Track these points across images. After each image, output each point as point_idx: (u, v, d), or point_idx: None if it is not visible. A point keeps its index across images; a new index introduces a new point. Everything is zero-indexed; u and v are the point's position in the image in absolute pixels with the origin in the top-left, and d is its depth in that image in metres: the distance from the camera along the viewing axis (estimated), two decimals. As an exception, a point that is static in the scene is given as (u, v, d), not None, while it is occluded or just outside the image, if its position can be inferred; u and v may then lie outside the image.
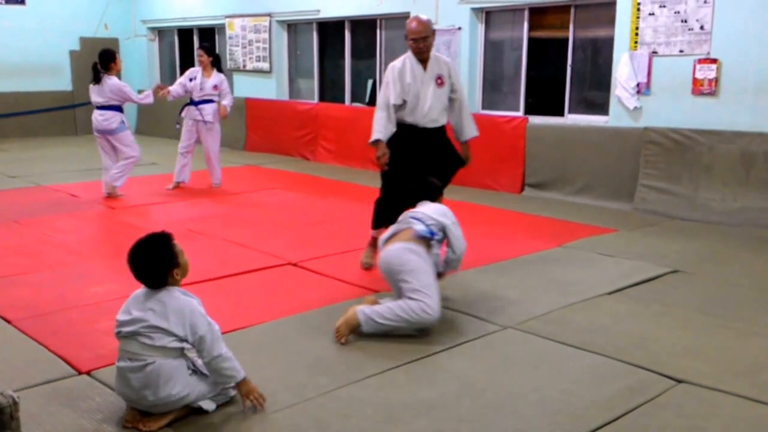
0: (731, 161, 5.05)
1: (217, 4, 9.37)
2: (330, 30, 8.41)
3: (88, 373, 2.54)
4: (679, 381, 2.50)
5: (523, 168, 6.18)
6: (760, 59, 4.94)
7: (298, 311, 3.18)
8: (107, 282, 3.61)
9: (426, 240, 2.90)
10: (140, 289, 2.22)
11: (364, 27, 7.96)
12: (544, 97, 6.49)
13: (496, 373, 2.58)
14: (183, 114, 6.34)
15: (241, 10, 9.03)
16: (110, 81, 5.79)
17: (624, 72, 5.60)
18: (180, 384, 2.13)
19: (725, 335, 2.93)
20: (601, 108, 6.00)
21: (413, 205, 3.15)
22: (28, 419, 2.18)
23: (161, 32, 10.89)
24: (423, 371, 2.59)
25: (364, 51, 8.07)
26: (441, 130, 3.77)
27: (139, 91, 6.40)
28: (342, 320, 2.81)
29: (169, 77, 10.59)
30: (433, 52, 3.78)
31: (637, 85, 5.56)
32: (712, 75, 5.15)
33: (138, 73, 10.55)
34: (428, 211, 3.02)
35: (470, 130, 3.87)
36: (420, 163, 3.63)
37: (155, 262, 2.17)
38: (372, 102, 8.00)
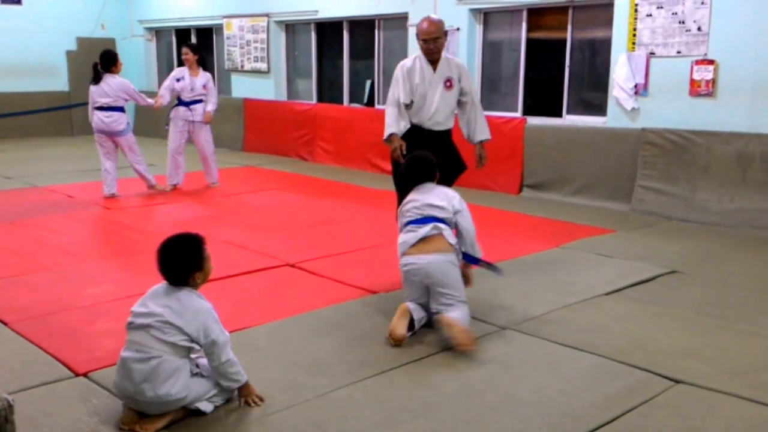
0: (728, 162, 5.07)
1: (214, 4, 9.36)
2: (328, 30, 8.41)
3: (84, 374, 2.53)
4: (677, 381, 2.50)
5: (522, 169, 6.18)
6: (757, 60, 4.95)
7: (296, 312, 3.18)
8: (104, 283, 3.60)
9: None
10: (159, 285, 2.25)
11: (363, 27, 7.96)
12: (543, 97, 6.50)
13: (495, 374, 2.58)
14: (172, 115, 6.26)
15: (239, 11, 9.02)
16: (116, 80, 5.80)
17: (622, 73, 5.61)
18: (180, 384, 2.13)
19: (723, 336, 2.94)
20: (599, 109, 6.01)
21: (413, 185, 3.07)
22: (24, 421, 2.17)
23: (158, 32, 10.88)
24: (421, 372, 2.59)
25: (363, 51, 8.07)
26: (446, 134, 3.69)
27: None
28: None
29: (165, 78, 10.57)
30: (446, 54, 3.69)
31: (635, 86, 5.57)
32: (710, 76, 5.17)
33: (135, 74, 10.52)
34: (437, 200, 2.95)
35: (482, 133, 3.74)
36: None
37: (181, 260, 2.22)
38: (370, 103, 8.00)
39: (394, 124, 3.58)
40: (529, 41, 6.46)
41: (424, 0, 6.87)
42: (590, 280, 3.66)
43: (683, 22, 5.26)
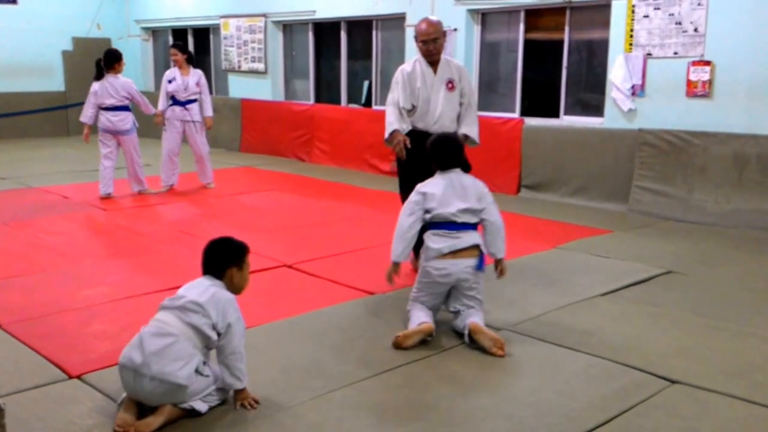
0: (725, 163, 5.08)
1: (211, 4, 9.35)
2: (326, 31, 8.41)
3: (78, 377, 2.52)
4: (673, 382, 2.51)
5: (519, 169, 6.19)
6: (753, 61, 4.97)
7: (293, 314, 3.18)
8: (99, 285, 3.58)
9: None
10: (196, 279, 2.35)
11: (360, 28, 7.96)
12: (540, 98, 6.51)
13: (491, 375, 2.58)
14: (168, 116, 6.25)
15: (236, 11, 9.01)
16: (119, 79, 5.80)
17: (619, 74, 5.62)
18: (186, 371, 2.13)
19: (719, 336, 2.94)
20: (597, 110, 6.02)
21: (441, 167, 2.90)
22: (17, 424, 2.16)
23: (155, 32, 10.86)
24: (417, 374, 2.58)
25: (360, 52, 8.07)
26: None
27: None
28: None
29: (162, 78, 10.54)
30: (445, 56, 3.64)
31: (632, 86, 5.58)
32: (706, 77, 5.18)
33: (132, 74, 10.42)
34: (474, 202, 2.84)
35: (469, 128, 3.60)
36: (428, 173, 3.28)
37: (223, 252, 2.35)
38: (368, 103, 8.00)
39: (395, 122, 3.50)
40: (526, 42, 6.46)
41: (421, 0, 6.87)
42: (587, 281, 3.66)
43: (680, 23, 5.27)
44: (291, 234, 4.72)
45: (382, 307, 3.26)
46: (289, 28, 8.79)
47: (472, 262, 2.85)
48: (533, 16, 6.42)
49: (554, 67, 6.28)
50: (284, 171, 7.44)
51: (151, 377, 2.11)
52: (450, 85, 3.58)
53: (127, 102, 5.83)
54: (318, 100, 8.56)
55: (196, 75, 6.29)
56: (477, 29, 6.76)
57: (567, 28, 6.16)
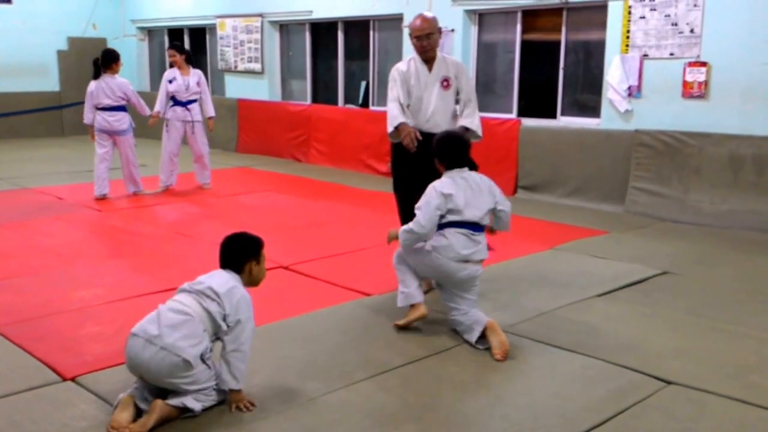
0: (720, 164, 5.09)
1: (207, 4, 9.33)
2: (323, 31, 8.40)
3: (72, 379, 2.51)
4: (669, 383, 2.51)
5: (516, 170, 6.20)
6: (748, 63, 4.98)
7: (290, 315, 3.17)
8: (93, 286, 3.57)
9: None
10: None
11: (357, 28, 7.96)
12: (537, 99, 6.52)
13: (486, 377, 2.58)
14: (169, 116, 6.24)
15: (233, 10, 9.00)
16: (115, 80, 5.78)
17: (615, 75, 5.63)
18: (195, 352, 2.17)
19: (715, 337, 2.95)
20: (593, 110, 6.03)
21: (448, 167, 2.86)
22: (10, 427, 2.16)
23: (151, 32, 10.83)
24: (414, 375, 2.58)
25: (357, 52, 8.06)
26: None
27: None
28: None
29: (158, 78, 10.45)
30: (442, 53, 3.55)
31: (629, 87, 5.59)
32: (702, 78, 5.19)
33: (127, 74, 10.38)
34: (491, 202, 2.85)
35: (469, 121, 3.44)
36: (422, 172, 3.23)
37: (241, 246, 2.38)
38: (365, 104, 8.00)
39: (399, 115, 3.38)
40: (523, 43, 6.47)
41: (419, 1, 6.87)
42: (583, 282, 3.66)
43: (676, 24, 5.28)
44: (287, 235, 4.72)
45: (379, 308, 3.25)
46: (285, 28, 8.78)
47: (480, 266, 2.90)
48: (530, 16, 6.43)
49: (551, 67, 6.29)
50: (281, 171, 7.43)
51: (161, 347, 2.14)
52: (445, 83, 3.48)
53: (123, 102, 5.82)
54: (315, 100, 8.55)
55: (196, 75, 6.28)
56: (474, 30, 6.77)
57: (564, 29, 6.17)
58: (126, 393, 2.21)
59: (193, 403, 2.19)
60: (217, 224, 5.03)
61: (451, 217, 2.81)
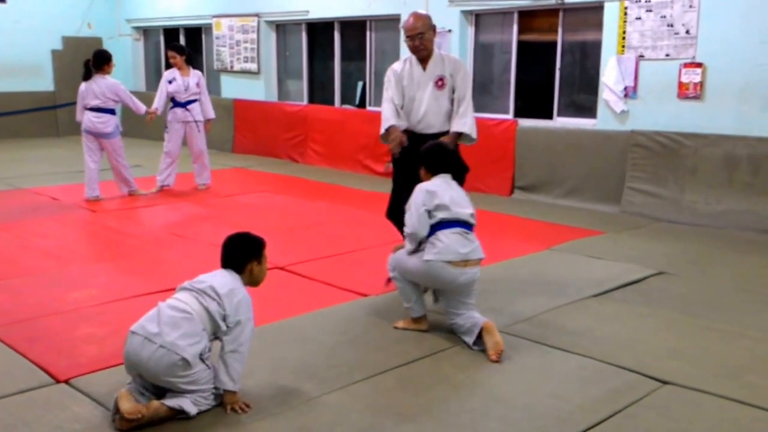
0: (715, 164, 5.11)
1: (203, 4, 9.31)
2: (319, 31, 8.39)
3: (66, 381, 2.49)
4: (665, 383, 2.52)
5: (513, 171, 6.20)
6: (744, 64, 5.00)
7: (286, 316, 3.17)
8: (87, 288, 3.56)
9: None
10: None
11: (354, 28, 7.95)
12: (534, 100, 6.53)
13: (483, 377, 2.58)
14: (170, 118, 6.22)
15: (229, 10, 8.98)
16: (106, 81, 5.72)
17: (611, 75, 5.64)
18: (193, 351, 2.16)
19: (710, 337, 2.96)
20: (590, 111, 6.04)
21: (435, 173, 2.89)
22: (3, 429, 2.15)
23: (146, 32, 10.80)
24: (410, 376, 2.58)
25: (354, 52, 8.06)
26: (437, 138, 3.37)
27: None
28: None
29: (154, 78, 10.50)
30: (440, 51, 3.47)
31: (625, 88, 5.61)
32: (698, 79, 5.21)
33: (122, 74, 10.42)
34: (472, 208, 2.87)
35: (460, 124, 3.37)
36: (415, 173, 3.14)
37: (243, 246, 2.38)
38: (362, 104, 7.99)
39: (392, 117, 3.35)
40: (520, 43, 6.48)
41: (415, 1, 6.87)
42: (579, 282, 3.67)
43: (672, 26, 5.30)
44: (284, 235, 4.71)
45: (376, 309, 3.25)
46: (282, 28, 8.77)
47: (478, 268, 2.89)
48: (526, 17, 6.44)
49: (547, 68, 6.30)
50: (277, 172, 7.42)
51: (160, 345, 2.14)
52: (439, 82, 3.40)
53: (112, 104, 5.74)
54: (311, 100, 8.54)
55: (195, 76, 6.27)
56: (471, 30, 6.77)
57: (560, 30, 6.18)
58: (123, 389, 2.20)
59: (190, 406, 2.19)
60: (212, 225, 5.02)
61: (441, 215, 2.81)
